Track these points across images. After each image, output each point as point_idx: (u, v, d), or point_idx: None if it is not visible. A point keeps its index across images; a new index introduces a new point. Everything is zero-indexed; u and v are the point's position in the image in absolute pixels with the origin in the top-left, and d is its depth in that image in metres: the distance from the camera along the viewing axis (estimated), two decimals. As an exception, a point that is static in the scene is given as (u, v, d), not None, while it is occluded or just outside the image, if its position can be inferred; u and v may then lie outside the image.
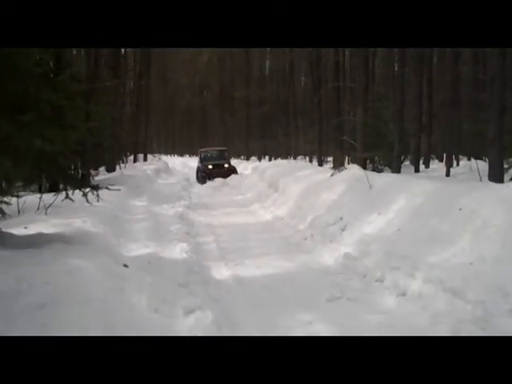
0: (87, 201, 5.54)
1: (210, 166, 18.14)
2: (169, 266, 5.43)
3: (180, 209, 10.17)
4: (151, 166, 20.36)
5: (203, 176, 17.81)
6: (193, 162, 30.65)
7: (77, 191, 5.57)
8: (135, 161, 23.05)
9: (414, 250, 5.21)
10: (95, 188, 5.49)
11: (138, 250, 6.21)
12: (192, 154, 43.89)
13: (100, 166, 15.10)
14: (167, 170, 23.05)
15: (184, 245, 6.51)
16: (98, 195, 5.56)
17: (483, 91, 8.72)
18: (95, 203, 5.87)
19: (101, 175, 13.26)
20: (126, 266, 5.02)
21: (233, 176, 17.55)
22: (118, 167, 16.92)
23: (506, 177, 7.84)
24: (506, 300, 3.67)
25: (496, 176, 7.14)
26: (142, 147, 25.84)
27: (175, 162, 31.56)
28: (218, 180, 16.84)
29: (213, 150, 20.79)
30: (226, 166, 18.51)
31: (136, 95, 24.41)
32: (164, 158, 32.22)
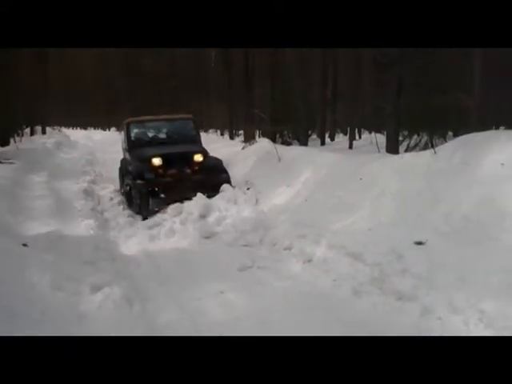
0: (-25, 176, 5.05)
1: (158, 161, 7.31)
2: (73, 243, 5.16)
3: (84, 184, 9.66)
4: (51, 140, 18.96)
5: (143, 193, 6.88)
6: (97, 135, 28.80)
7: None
8: (32, 134, 21.30)
9: (319, 218, 5.49)
10: (-16, 162, 5.01)
11: (38, 228, 5.81)
12: (97, 126, 41.36)
13: (-9, 139, 13.79)
14: (69, 143, 21.60)
15: (90, 221, 6.23)
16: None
17: (383, 72, 9.31)
18: (-14, 179, 5.38)
19: (-7, 149, 12.12)
20: (25, 245, 4.70)
21: (229, 189, 7.08)
22: (12, 141, 15.53)
23: (401, 148, 8.48)
24: (399, 261, 4.02)
25: (392, 148, 7.72)
26: (40, 119, 23.95)
27: (78, 135, 29.64)
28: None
29: (161, 121, 9.01)
30: (200, 158, 7.53)
31: (33, 64, 22.38)
32: (66, 131, 30.16)
